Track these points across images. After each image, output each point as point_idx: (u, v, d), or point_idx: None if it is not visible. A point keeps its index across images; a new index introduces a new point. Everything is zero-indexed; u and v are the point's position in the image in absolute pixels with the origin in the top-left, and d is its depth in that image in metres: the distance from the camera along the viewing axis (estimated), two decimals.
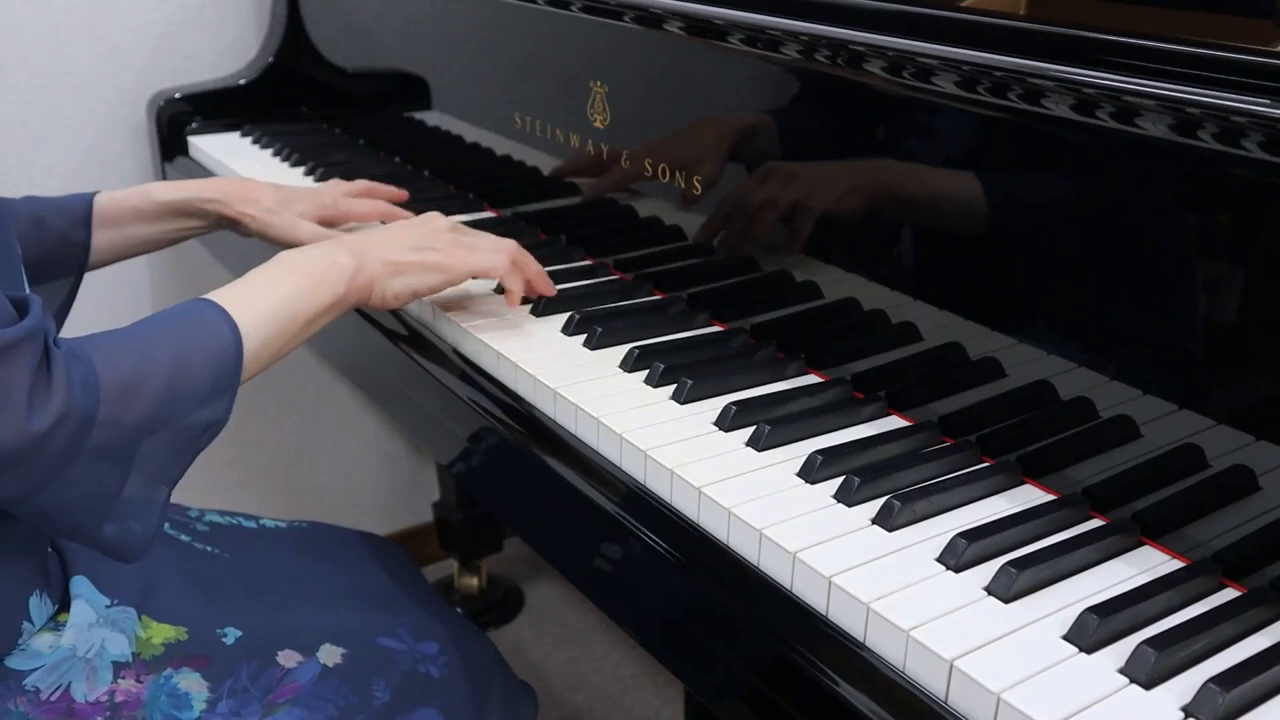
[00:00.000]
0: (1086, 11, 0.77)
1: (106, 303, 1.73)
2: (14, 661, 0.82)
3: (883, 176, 0.89)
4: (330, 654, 0.91)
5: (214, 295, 0.84)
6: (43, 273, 1.09)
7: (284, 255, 0.92)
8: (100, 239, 1.13)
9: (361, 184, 1.28)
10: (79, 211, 1.11)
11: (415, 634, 0.96)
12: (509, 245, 1.02)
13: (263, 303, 0.85)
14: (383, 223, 1.24)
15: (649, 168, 1.07)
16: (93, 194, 1.13)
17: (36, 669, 0.82)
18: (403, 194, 1.29)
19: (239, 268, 1.54)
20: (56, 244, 1.09)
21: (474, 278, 1.01)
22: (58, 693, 0.82)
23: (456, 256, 0.98)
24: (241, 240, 1.21)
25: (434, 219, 1.03)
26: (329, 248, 0.94)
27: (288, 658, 0.89)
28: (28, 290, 0.86)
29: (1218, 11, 0.73)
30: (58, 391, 0.71)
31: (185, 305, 0.82)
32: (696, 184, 1.03)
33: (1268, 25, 0.69)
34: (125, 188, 1.71)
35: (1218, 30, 0.69)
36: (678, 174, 1.04)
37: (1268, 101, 0.64)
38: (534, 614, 2.01)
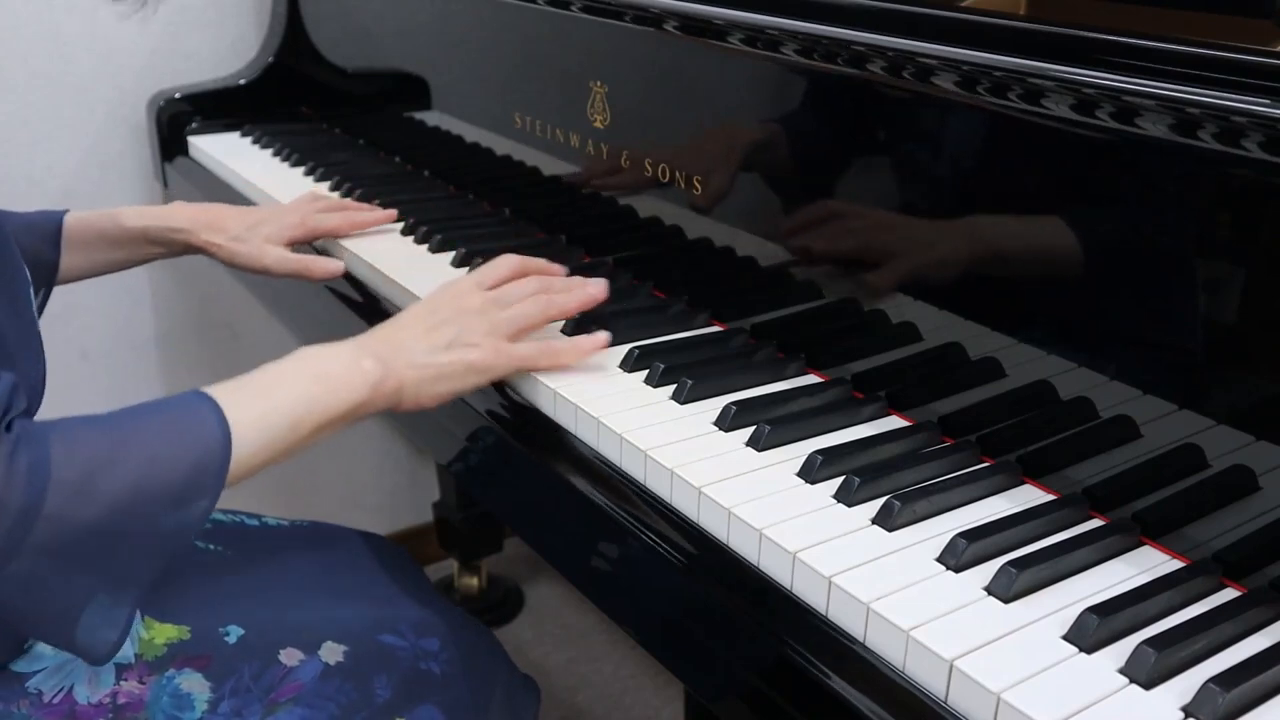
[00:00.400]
0: (1086, 11, 0.77)
1: (107, 302, 1.73)
2: (17, 664, 0.82)
3: (979, 234, 0.83)
4: (332, 652, 0.91)
5: (215, 388, 0.77)
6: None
7: (303, 351, 0.84)
8: (68, 259, 1.13)
9: (335, 202, 1.28)
10: (49, 230, 1.12)
11: (417, 631, 0.96)
12: (543, 311, 0.93)
13: (265, 402, 0.78)
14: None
15: (649, 168, 1.07)
16: (63, 213, 1.14)
17: (39, 671, 0.82)
18: (390, 215, 1.27)
19: (247, 276, 1.54)
20: (27, 260, 1.09)
21: (518, 372, 0.93)
22: (60, 695, 0.82)
23: (500, 353, 0.89)
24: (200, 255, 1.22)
25: (462, 295, 0.92)
26: (352, 348, 0.86)
27: (289, 656, 0.89)
28: (34, 307, 0.87)
29: (1218, 11, 0.73)
30: None
31: (180, 396, 0.76)
32: (697, 184, 1.03)
33: (1268, 25, 0.69)
34: (125, 187, 1.73)
35: (1218, 30, 0.69)
36: (678, 174, 1.04)
37: (1268, 101, 0.64)
38: (534, 614, 2.01)
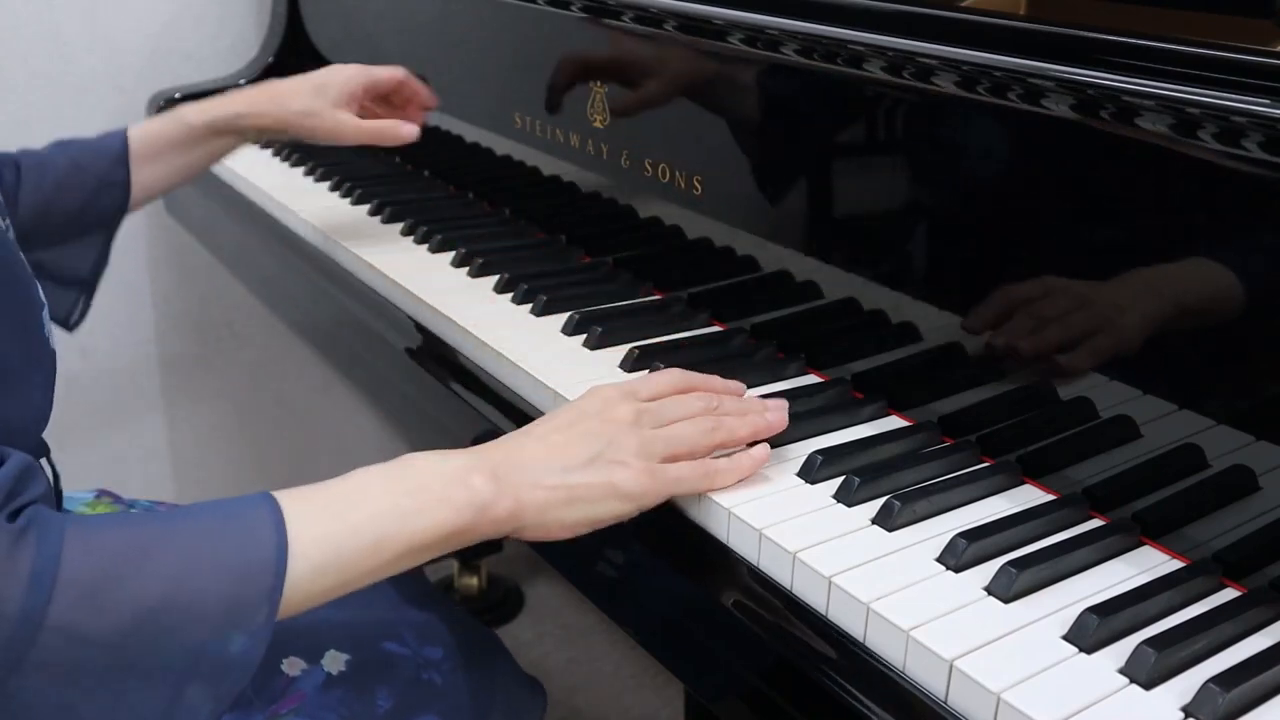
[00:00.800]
0: (1086, 11, 0.77)
1: (107, 302, 1.73)
2: None
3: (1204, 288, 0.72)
4: (335, 661, 0.90)
5: (286, 492, 0.65)
6: (87, 218, 1.09)
7: (407, 458, 0.70)
8: (140, 174, 1.11)
9: (388, 69, 1.21)
10: (115, 150, 1.10)
11: (420, 638, 0.95)
12: (707, 439, 0.76)
13: (341, 514, 0.65)
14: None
15: (648, 168, 1.07)
16: (124, 130, 1.12)
17: None
18: (432, 100, 1.25)
19: (239, 267, 1.54)
20: (98, 187, 1.08)
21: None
22: None
23: (654, 476, 0.73)
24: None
25: (611, 405, 0.76)
26: (464, 460, 0.70)
27: (292, 665, 0.89)
28: (47, 328, 0.84)
29: (1218, 11, 0.73)
30: None
31: (241, 498, 0.64)
32: (697, 184, 1.03)
33: (1268, 25, 0.69)
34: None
35: (1218, 30, 0.69)
36: (678, 174, 1.04)
37: (1268, 101, 0.64)
38: (534, 614, 2.00)
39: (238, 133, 1.17)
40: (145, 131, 1.12)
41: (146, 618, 0.57)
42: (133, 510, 0.93)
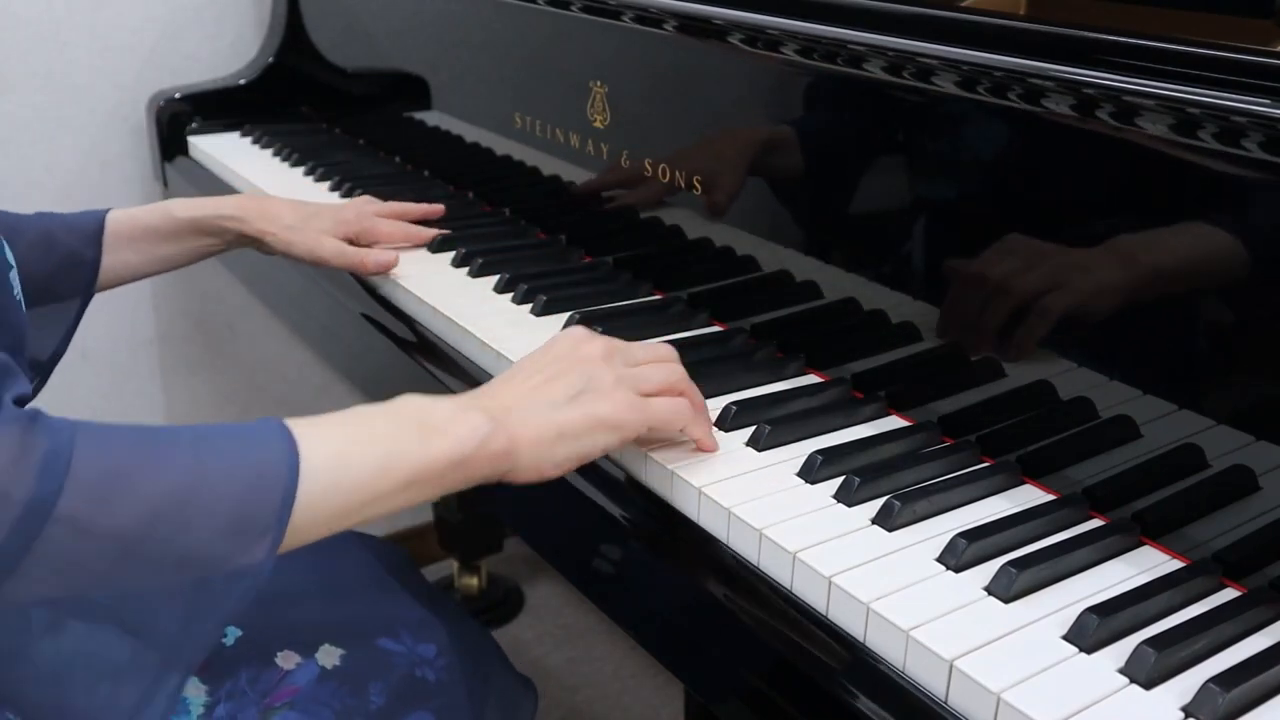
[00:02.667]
0: (1086, 11, 0.77)
1: (107, 302, 1.73)
2: None
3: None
4: (329, 655, 0.91)
5: (294, 419, 0.65)
6: (48, 292, 1.06)
7: (404, 397, 0.73)
8: (113, 258, 1.09)
9: (394, 206, 1.23)
10: (90, 228, 1.08)
11: (415, 635, 0.96)
12: (676, 379, 0.80)
13: (347, 440, 0.66)
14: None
15: (649, 168, 1.07)
16: (105, 211, 1.10)
17: None
18: (438, 209, 1.25)
19: (239, 268, 1.54)
20: (64, 261, 1.06)
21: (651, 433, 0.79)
22: None
23: (632, 406, 0.75)
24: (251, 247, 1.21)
25: (582, 341, 0.79)
26: (457, 400, 0.73)
27: (286, 659, 0.89)
28: (16, 291, 0.83)
29: (1218, 11, 0.73)
30: None
31: (252, 422, 0.64)
32: (697, 184, 1.03)
33: (1268, 25, 0.69)
34: (125, 188, 1.72)
35: (1218, 30, 0.69)
36: (678, 174, 1.04)
37: (1268, 101, 0.64)
38: (534, 614, 2.01)
39: (219, 234, 1.14)
40: (128, 216, 1.11)
41: (155, 518, 0.57)
42: None
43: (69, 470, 0.55)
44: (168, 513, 0.57)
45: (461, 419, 0.70)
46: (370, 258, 1.15)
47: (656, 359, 0.81)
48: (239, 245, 1.16)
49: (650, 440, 0.80)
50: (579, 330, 0.81)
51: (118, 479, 0.57)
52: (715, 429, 0.85)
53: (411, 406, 0.72)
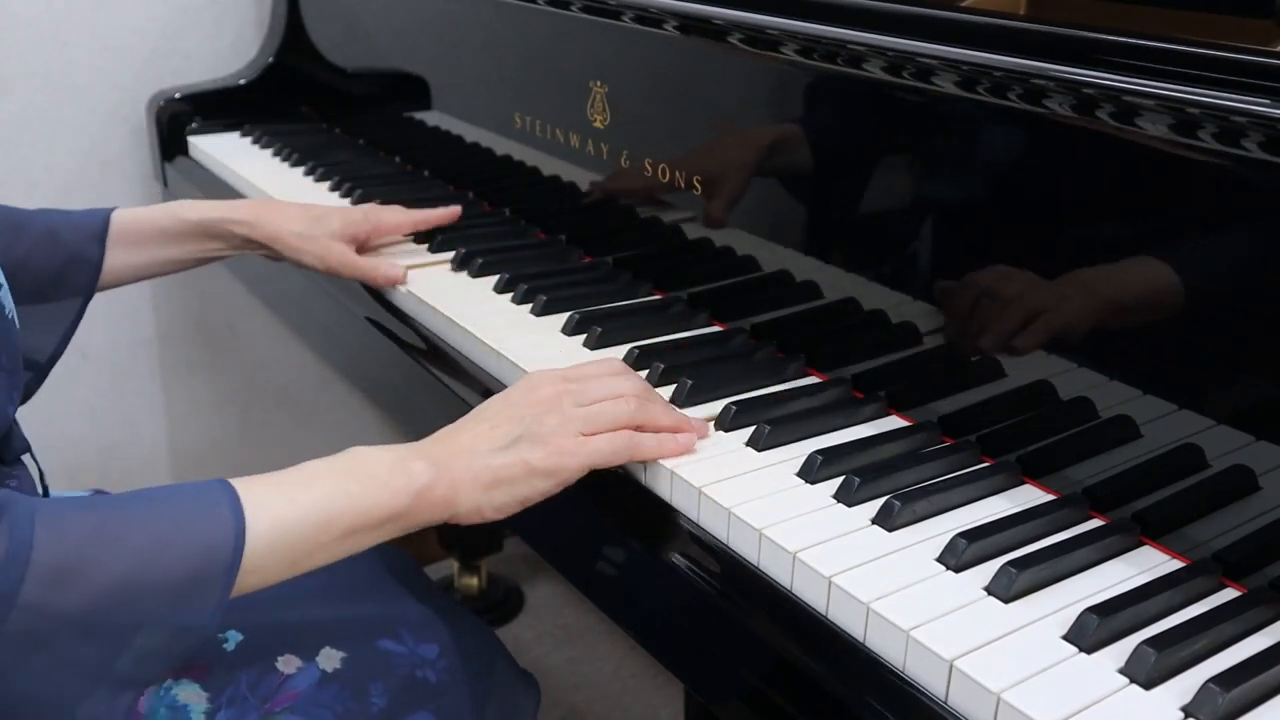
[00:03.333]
0: (1086, 11, 0.77)
1: (107, 302, 1.73)
2: None
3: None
4: (330, 659, 0.90)
5: (241, 480, 0.70)
6: (52, 289, 1.06)
7: (351, 451, 0.76)
8: (116, 257, 1.09)
9: (415, 214, 1.22)
10: (94, 227, 1.08)
11: (416, 635, 0.96)
12: (629, 415, 0.80)
13: (291, 498, 0.70)
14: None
15: (649, 168, 1.07)
16: (110, 210, 1.10)
17: None
18: (454, 212, 1.23)
19: (239, 268, 1.54)
20: (68, 260, 1.05)
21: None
22: None
23: (566, 452, 0.77)
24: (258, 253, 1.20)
25: (538, 385, 0.81)
26: (404, 450, 0.76)
27: (287, 663, 0.89)
28: (3, 294, 0.84)
29: (1218, 11, 0.73)
30: None
31: (197, 483, 0.69)
32: (697, 184, 1.03)
33: (1268, 25, 0.69)
34: (125, 188, 1.72)
35: (1218, 30, 0.69)
36: (678, 174, 1.04)
37: (1268, 101, 0.64)
38: (534, 614, 2.01)
39: (226, 238, 1.13)
40: (134, 215, 1.10)
41: (111, 595, 0.62)
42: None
43: (29, 564, 0.61)
44: (120, 594, 0.63)
45: (404, 471, 0.74)
46: (380, 271, 1.14)
47: (610, 395, 0.81)
48: (245, 250, 1.15)
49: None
50: (541, 375, 0.83)
51: (76, 565, 0.62)
52: (715, 429, 0.85)
53: (357, 461, 0.75)
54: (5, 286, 0.87)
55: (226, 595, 0.66)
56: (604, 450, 0.78)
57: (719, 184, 1.01)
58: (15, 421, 0.87)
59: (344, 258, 1.13)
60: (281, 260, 1.15)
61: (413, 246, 1.23)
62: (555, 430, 0.77)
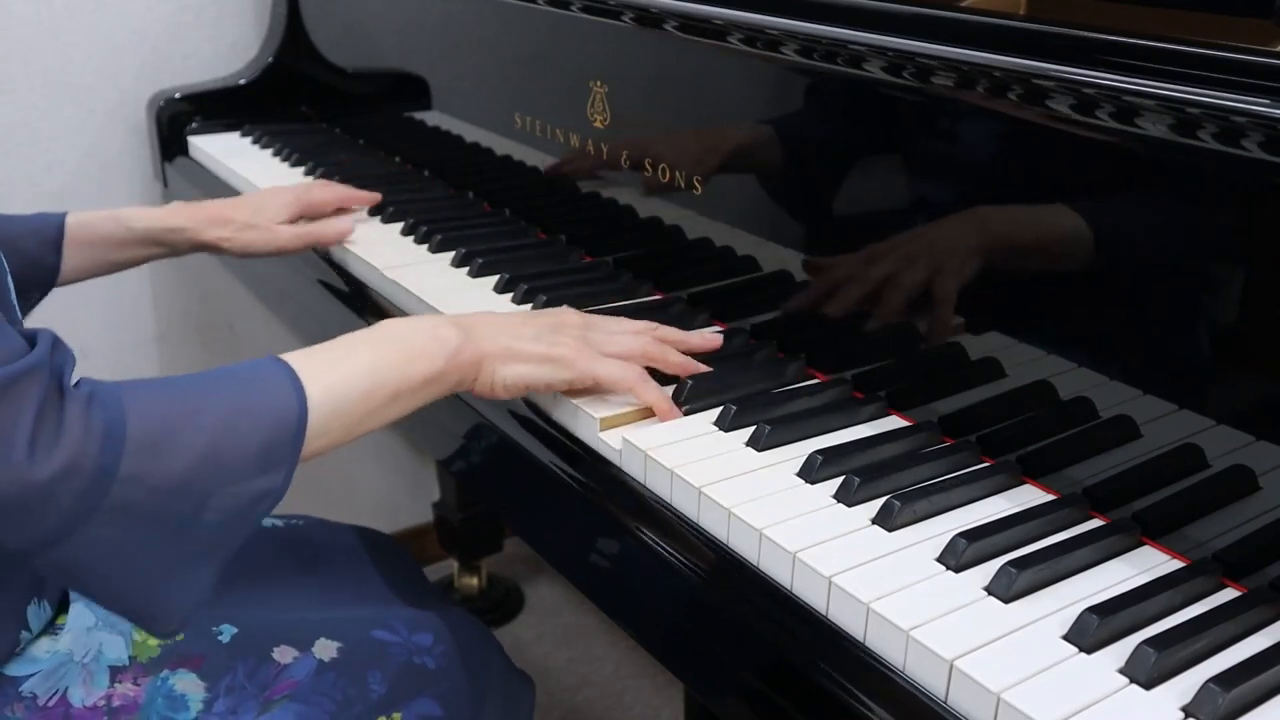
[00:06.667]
0: (1086, 11, 0.77)
1: (107, 302, 1.73)
2: (10, 668, 0.82)
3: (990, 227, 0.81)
4: (325, 648, 0.91)
5: (289, 355, 0.76)
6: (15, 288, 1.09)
7: (383, 323, 0.84)
8: (68, 262, 1.13)
9: (322, 183, 1.31)
10: (50, 234, 1.12)
11: (410, 626, 0.96)
12: (642, 347, 0.89)
13: (341, 369, 0.77)
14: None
15: (649, 167, 1.07)
16: (63, 215, 1.13)
17: (33, 674, 0.82)
18: (374, 197, 1.31)
19: (239, 268, 1.54)
20: (27, 265, 1.09)
21: (597, 385, 0.87)
22: (55, 698, 0.81)
23: (584, 356, 0.86)
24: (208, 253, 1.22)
25: (563, 312, 0.92)
26: (434, 319, 0.85)
27: (283, 653, 0.89)
28: (12, 292, 0.85)
29: (1218, 11, 0.73)
30: (68, 438, 0.63)
31: (252, 362, 0.75)
32: (697, 184, 1.03)
33: (1268, 25, 0.69)
34: (125, 188, 1.72)
35: (1218, 30, 0.69)
36: (677, 174, 1.04)
37: (1268, 101, 0.64)
38: (534, 614, 2.01)
39: (172, 245, 1.18)
40: (84, 222, 1.14)
41: (199, 462, 0.67)
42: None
43: (125, 439, 0.65)
44: (207, 461, 0.68)
45: (435, 335, 0.82)
46: (330, 229, 1.22)
47: (629, 331, 0.90)
48: (193, 251, 1.20)
49: (599, 391, 0.87)
50: (568, 309, 0.92)
51: (165, 436, 0.66)
52: (715, 429, 0.85)
53: (392, 331, 0.82)
54: (9, 273, 0.87)
55: (296, 460, 0.72)
56: (613, 370, 0.86)
57: (700, 161, 1.03)
58: None
59: (292, 233, 1.19)
60: (233, 256, 1.20)
61: (412, 246, 1.23)
62: (573, 339, 0.86)
